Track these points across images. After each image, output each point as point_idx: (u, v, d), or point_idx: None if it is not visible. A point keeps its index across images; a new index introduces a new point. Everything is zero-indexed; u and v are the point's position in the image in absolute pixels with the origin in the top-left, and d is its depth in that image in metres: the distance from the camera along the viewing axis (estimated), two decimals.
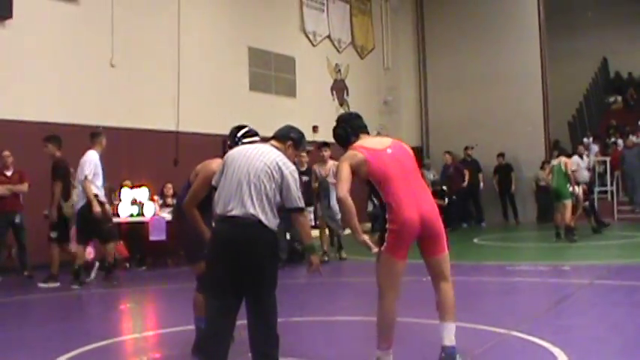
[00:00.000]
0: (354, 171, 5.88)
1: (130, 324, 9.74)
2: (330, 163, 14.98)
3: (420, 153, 26.60)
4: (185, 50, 18.05)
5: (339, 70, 24.15)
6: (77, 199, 12.55)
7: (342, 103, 24.01)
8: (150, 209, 14.64)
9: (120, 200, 14.83)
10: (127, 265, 14.69)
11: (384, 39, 26.49)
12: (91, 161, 12.28)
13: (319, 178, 15.19)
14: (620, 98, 32.27)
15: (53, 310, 10.72)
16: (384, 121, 25.66)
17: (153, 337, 8.47)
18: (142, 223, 14.66)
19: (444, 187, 23.59)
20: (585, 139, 26.68)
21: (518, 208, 24.51)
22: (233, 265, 5.42)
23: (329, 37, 23.72)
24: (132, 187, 14.96)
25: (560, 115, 27.40)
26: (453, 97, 25.84)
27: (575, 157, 19.67)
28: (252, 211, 5.44)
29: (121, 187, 14.95)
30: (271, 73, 21.06)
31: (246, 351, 5.55)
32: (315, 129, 21.49)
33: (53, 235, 12.71)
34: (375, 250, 5.87)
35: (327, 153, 15.23)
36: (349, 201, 5.79)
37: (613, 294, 10.49)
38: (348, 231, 16.17)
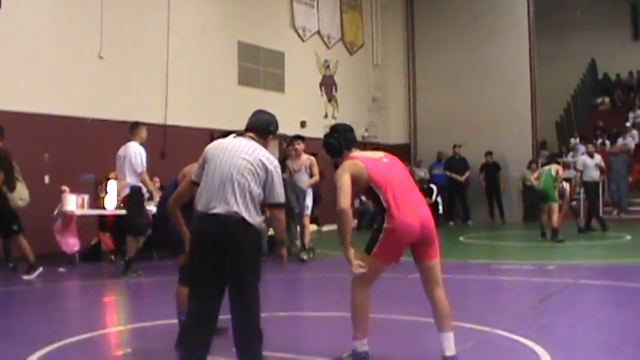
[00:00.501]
0: (354, 180, 5.90)
1: (114, 316, 9.73)
2: (304, 157, 14.59)
3: (408, 150, 26.66)
4: (174, 43, 18.00)
5: (328, 66, 24.15)
6: (122, 192, 12.76)
7: (331, 99, 24.02)
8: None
9: (106, 193, 14.78)
10: (113, 257, 14.65)
11: (374, 36, 26.51)
12: (139, 153, 12.44)
13: (292, 173, 14.63)
14: (607, 100, 32.37)
15: (36, 302, 10.69)
16: (373, 117, 25.69)
17: (137, 330, 8.45)
18: None
19: (432, 186, 23.69)
20: (572, 140, 26.79)
21: (505, 207, 24.58)
22: (216, 263, 5.39)
23: (318, 32, 23.72)
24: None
25: (548, 114, 27.49)
26: (442, 94, 25.86)
27: (583, 157, 19.76)
28: (235, 208, 5.38)
29: (107, 180, 14.90)
30: (260, 67, 21.04)
31: (232, 345, 5.55)
32: (303, 124, 21.51)
33: (15, 227, 12.67)
34: (359, 271, 5.87)
35: (300, 146, 14.65)
36: (350, 215, 5.85)
37: (597, 294, 10.55)
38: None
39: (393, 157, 6.40)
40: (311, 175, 14.53)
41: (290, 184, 14.02)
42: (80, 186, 14.93)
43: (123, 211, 14.41)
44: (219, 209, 5.41)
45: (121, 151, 12.60)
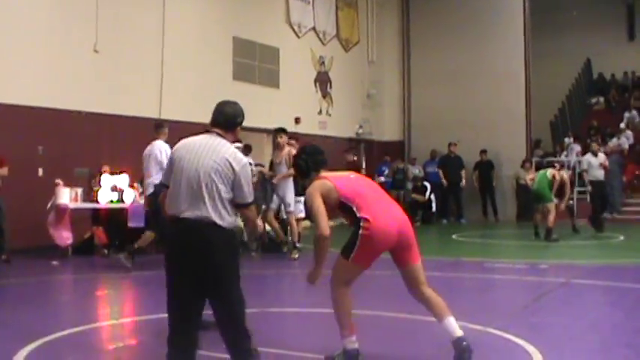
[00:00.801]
0: (324, 200, 5.94)
1: (107, 310, 9.72)
2: (286, 150, 14.12)
3: (402, 148, 26.65)
4: (169, 38, 17.97)
5: (323, 63, 24.12)
6: (146, 190, 12.80)
7: (325, 95, 23.98)
8: (129, 196, 14.59)
9: (100, 186, 14.77)
10: (106, 251, 14.61)
11: (369, 32, 26.47)
12: (164, 150, 12.47)
13: (274, 165, 14.47)
14: (602, 99, 32.40)
15: (30, 295, 10.67)
16: (367, 114, 25.69)
17: (130, 324, 8.45)
18: (122, 209, 14.60)
19: (426, 183, 23.70)
20: (566, 139, 26.79)
21: (498, 205, 24.59)
22: (191, 268, 5.30)
23: (314, 29, 23.68)
24: (112, 174, 14.89)
25: (543, 114, 27.52)
26: (437, 92, 25.82)
27: (587, 156, 19.53)
28: (204, 213, 5.26)
29: (101, 173, 14.89)
30: (255, 63, 21.01)
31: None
32: (297, 120, 21.47)
33: None
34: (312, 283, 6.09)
35: (282, 139, 14.34)
36: (328, 241, 5.88)
37: (589, 293, 10.57)
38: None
39: (358, 174, 6.59)
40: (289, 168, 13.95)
41: (261, 179, 13.93)
42: (74, 179, 14.91)
43: (116, 205, 14.47)
44: (188, 213, 5.30)
45: (146, 150, 12.68)
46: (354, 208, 5.90)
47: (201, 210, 5.27)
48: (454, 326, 5.88)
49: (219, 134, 5.54)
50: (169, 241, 5.53)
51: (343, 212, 6.02)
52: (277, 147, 14.47)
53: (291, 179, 14.09)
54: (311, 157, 6.25)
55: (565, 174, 17.97)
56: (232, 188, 5.36)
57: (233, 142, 5.68)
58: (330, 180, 6.07)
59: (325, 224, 5.82)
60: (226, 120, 5.61)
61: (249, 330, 5.44)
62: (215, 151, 5.40)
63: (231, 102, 5.74)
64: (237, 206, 5.45)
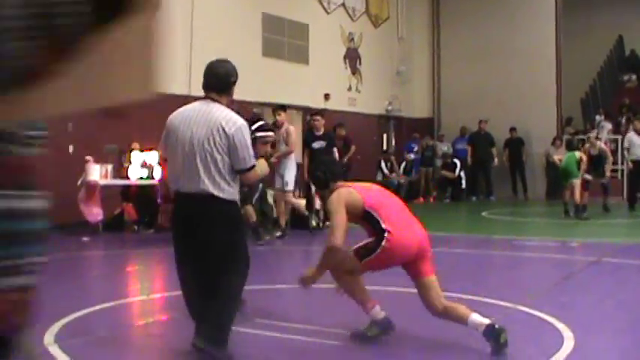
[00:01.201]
0: (349, 210, 5.85)
1: (138, 286, 9.78)
2: (284, 128, 13.78)
3: (431, 124, 26.57)
4: (198, 14, 17.96)
5: (353, 39, 24.02)
6: None
7: (355, 72, 23.91)
8: (159, 172, 14.65)
9: (130, 163, 14.84)
10: (136, 227, 14.73)
11: (399, 9, 26.30)
12: None
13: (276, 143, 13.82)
14: (634, 77, 31.99)
15: (60, 271, 10.75)
16: (396, 91, 25.58)
17: (160, 300, 8.50)
18: (152, 186, 14.68)
19: (456, 160, 23.64)
20: (597, 117, 26.55)
21: (528, 183, 24.47)
22: (192, 243, 5.30)
23: (343, 5, 23.57)
24: (142, 150, 14.95)
25: (573, 91, 27.25)
26: (466, 69, 25.68)
27: (630, 134, 19.16)
28: (201, 185, 5.15)
29: (131, 150, 14.95)
30: (284, 39, 20.97)
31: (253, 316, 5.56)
32: (326, 97, 21.44)
33: None
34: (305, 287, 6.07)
35: (280, 117, 13.94)
36: (339, 254, 5.82)
37: (620, 272, 10.49)
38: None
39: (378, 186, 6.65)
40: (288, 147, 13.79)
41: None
42: (104, 156, 14.99)
43: (146, 182, 14.54)
44: (187, 187, 5.24)
45: None
46: (380, 219, 5.88)
47: (198, 183, 5.17)
48: (479, 319, 5.79)
49: (213, 99, 5.40)
50: (172, 218, 5.50)
51: (365, 222, 5.98)
52: (277, 125, 13.88)
53: (292, 158, 13.94)
54: (329, 168, 6.25)
55: (603, 145, 17.75)
56: (229, 154, 5.21)
57: (229, 105, 5.48)
58: (355, 189, 6.05)
59: (341, 235, 5.72)
60: (219, 81, 5.48)
61: (234, 307, 5.41)
62: (208, 117, 5.26)
63: (222, 60, 5.61)
64: (238, 172, 5.30)
